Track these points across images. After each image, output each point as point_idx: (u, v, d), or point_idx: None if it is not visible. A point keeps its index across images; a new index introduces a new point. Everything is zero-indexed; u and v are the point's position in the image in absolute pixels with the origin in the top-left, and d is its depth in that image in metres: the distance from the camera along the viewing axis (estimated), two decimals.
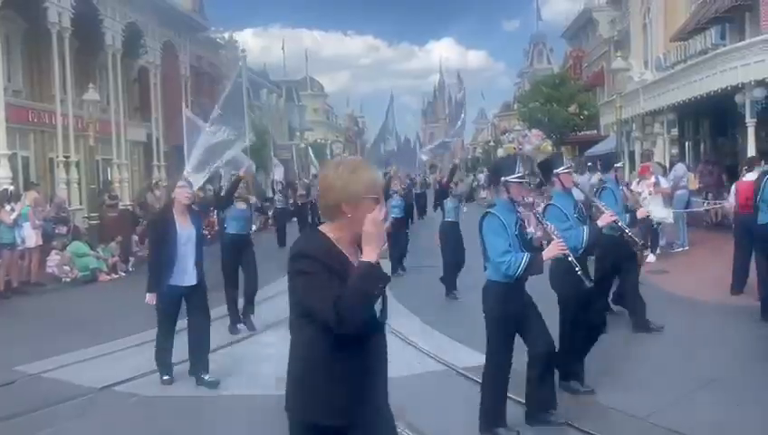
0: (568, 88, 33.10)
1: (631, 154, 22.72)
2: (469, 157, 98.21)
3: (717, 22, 18.19)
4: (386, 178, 12.80)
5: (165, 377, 6.06)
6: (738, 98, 14.18)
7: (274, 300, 9.96)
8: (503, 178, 4.50)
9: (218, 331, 8.00)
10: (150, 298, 5.95)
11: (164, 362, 6.08)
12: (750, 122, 14.01)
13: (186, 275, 5.88)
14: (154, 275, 5.95)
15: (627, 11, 27.67)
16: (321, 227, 2.44)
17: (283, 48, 60.11)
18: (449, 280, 9.90)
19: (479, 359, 6.25)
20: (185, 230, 5.90)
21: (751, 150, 13.55)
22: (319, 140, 53.51)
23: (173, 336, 6.09)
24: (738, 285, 8.60)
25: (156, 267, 5.97)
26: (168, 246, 5.83)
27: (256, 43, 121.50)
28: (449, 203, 10.02)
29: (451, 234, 9.93)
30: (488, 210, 4.54)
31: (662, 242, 12.43)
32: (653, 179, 11.58)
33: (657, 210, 11.17)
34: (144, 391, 5.90)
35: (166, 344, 6.06)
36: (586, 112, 32.02)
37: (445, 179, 10.53)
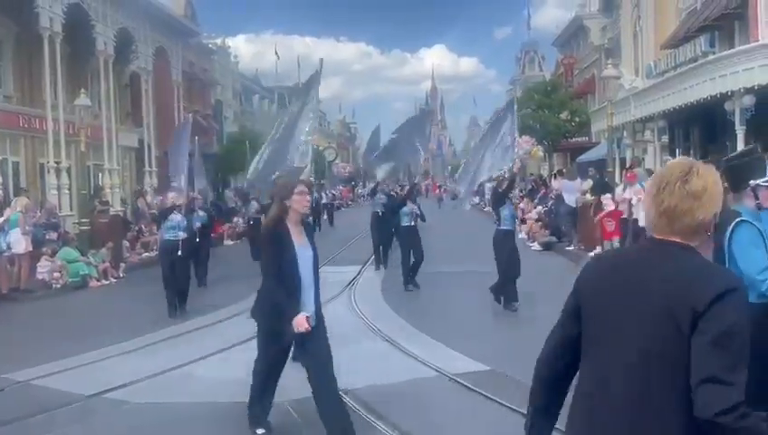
0: (559, 95, 33.29)
1: (623, 161, 22.84)
2: (462, 163, 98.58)
3: (707, 30, 18.35)
4: (409, 186, 12.87)
5: (258, 431, 4.92)
6: (728, 105, 14.28)
7: None
8: (752, 182, 3.73)
9: (213, 335, 7.99)
10: (301, 321, 4.21)
11: (256, 413, 4.96)
12: (739, 130, 14.12)
13: (303, 309, 4.34)
14: (284, 300, 4.34)
15: (617, 19, 27.88)
16: None
17: (276, 54, 60.08)
18: (508, 290, 9.07)
19: (470, 365, 6.29)
20: (303, 250, 4.44)
21: None
22: (311, 146, 53.44)
23: (275, 386, 4.96)
24: None
25: (281, 293, 4.35)
26: (287, 272, 4.31)
27: (249, 49, 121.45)
28: (506, 210, 9.39)
29: (506, 242, 9.22)
30: (741, 218, 3.57)
31: None
32: (638, 186, 11.75)
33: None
34: (135, 398, 5.86)
35: (263, 399, 4.95)
36: (577, 119, 32.19)
37: (504, 186, 9.60)
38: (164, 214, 10.11)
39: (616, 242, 12.51)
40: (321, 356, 4.45)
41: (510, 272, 9.09)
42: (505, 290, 9.10)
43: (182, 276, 9.79)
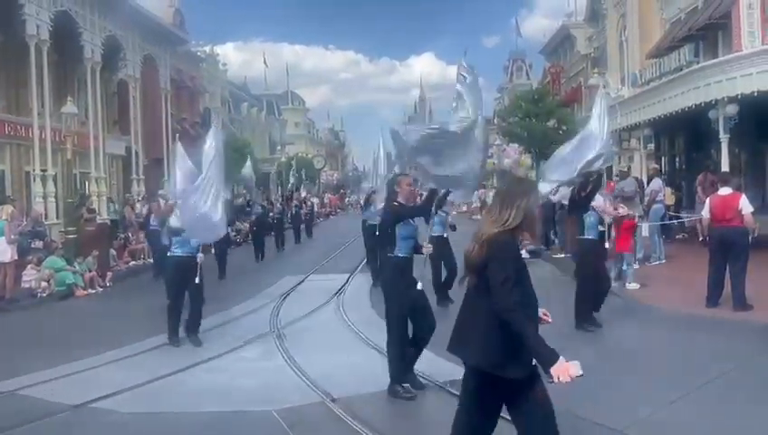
0: (547, 103, 33.47)
1: (609, 169, 23.01)
2: None
3: (691, 39, 18.60)
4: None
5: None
6: (712, 114, 14.44)
7: (253, 315, 9.94)
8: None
9: (196, 346, 7.95)
10: (567, 370, 3.02)
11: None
12: (723, 138, 14.28)
13: None
14: (530, 332, 3.13)
15: (603, 28, 28.17)
16: None
17: (264, 62, 60.13)
18: (591, 306, 8.35)
19: (458, 372, 6.28)
20: None
21: (724, 165, 13.80)
22: (300, 154, 53.52)
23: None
24: (713, 297, 8.74)
25: (522, 318, 3.15)
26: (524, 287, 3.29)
27: (237, 57, 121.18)
28: (591, 217, 8.45)
29: (593, 252, 8.45)
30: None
31: (639, 255, 12.59)
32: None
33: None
34: (121, 408, 5.81)
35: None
36: (565, 127, 32.36)
37: (588, 189, 8.42)
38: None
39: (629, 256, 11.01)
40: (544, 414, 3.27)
41: (601, 285, 8.43)
42: (590, 306, 8.28)
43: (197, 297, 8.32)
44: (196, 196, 7.95)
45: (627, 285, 10.51)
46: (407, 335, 5.97)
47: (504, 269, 3.12)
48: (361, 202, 16.60)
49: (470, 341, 3.29)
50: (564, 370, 2.97)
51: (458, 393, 5.64)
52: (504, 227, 3.21)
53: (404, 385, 5.81)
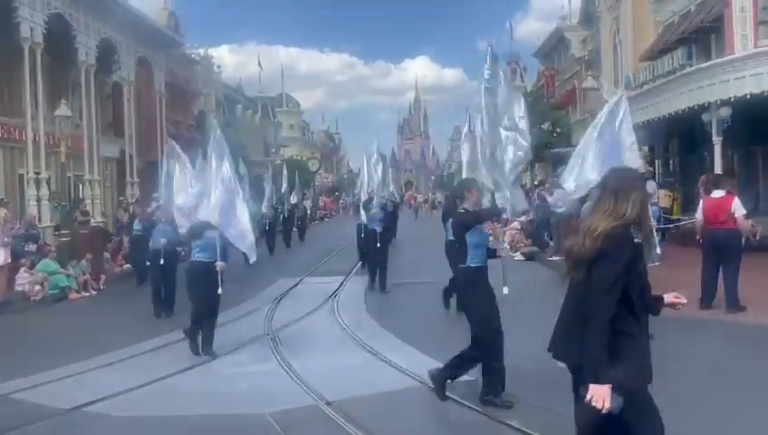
0: (541, 106, 33.58)
1: None
2: (444, 174, 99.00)
3: (684, 43, 18.69)
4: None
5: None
6: (705, 117, 14.52)
7: (247, 318, 9.93)
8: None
9: (189, 350, 7.93)
10: (609, 402, 2.87)
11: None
12: (716, 141, 14.35)
13: None
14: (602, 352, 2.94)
15: (597, 31, 28.26)
16: None
17: (259, 64, 60.17)
18: None
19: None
20: None
21: (717, 168, 13.86)
22: (295, 157, 53.48)
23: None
24: (707, 298, 8.77)
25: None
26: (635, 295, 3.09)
27: (232, 60, 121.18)
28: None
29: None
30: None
31: None
32: None
33: None
34: (114, 411, 5.79)
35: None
36: (559, 130, 32.49)
37: None
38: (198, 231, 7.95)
39: None
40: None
41: None
42: None
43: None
44: (224, 196, 7.83)
45: None
46: (501, 350, 5.49)
47: (613, 271, 2.92)
48: (360, 204, 15.23)
49: (574, 341, 3.02)
50: (602, 394, 2.81)
51: (451, 395, 5.68)
52: (622, 221, 3.02)
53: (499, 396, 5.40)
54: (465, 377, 5.97)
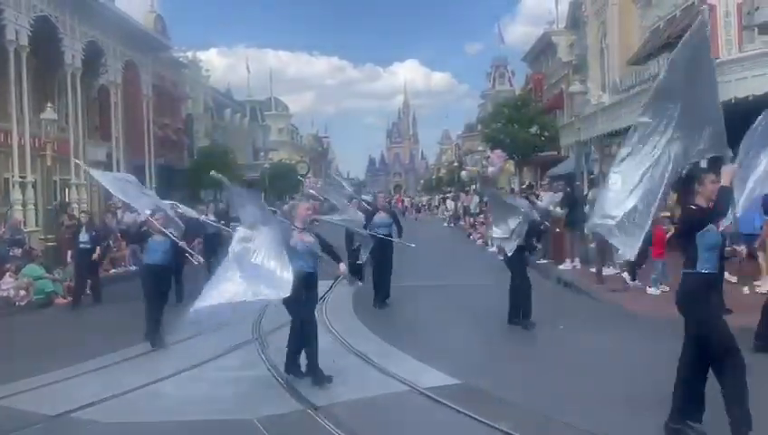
0: (529, 110, 33.77)
1: (591, 174, 23.23)
2: (433, 177, 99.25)
3: (670, 48, 18.84)
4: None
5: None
6: None
7: (236, 323, 9.87)
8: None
9: (181, 352, 7.89)
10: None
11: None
12: None
13: None
14: None
15: (584, 35, 28.47)
16: None
17: (247, 68, 60.04)
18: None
19: (441, 379, 6.32)
20: None
21: None
22: (283, 160, 53.39)
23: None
24: None
25: None
26: None
27: (221, 63, 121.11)
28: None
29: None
30: None
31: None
32: None
33: None
34: (102, 417, 5.75)
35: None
36: (547, 133, 32.68)
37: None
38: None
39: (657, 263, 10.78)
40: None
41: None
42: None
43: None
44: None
45: (648, 289, 10.71)
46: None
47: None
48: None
49: None
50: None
51: (440, 400, 5.69)
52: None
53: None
54: (450, 380, 5.98)
